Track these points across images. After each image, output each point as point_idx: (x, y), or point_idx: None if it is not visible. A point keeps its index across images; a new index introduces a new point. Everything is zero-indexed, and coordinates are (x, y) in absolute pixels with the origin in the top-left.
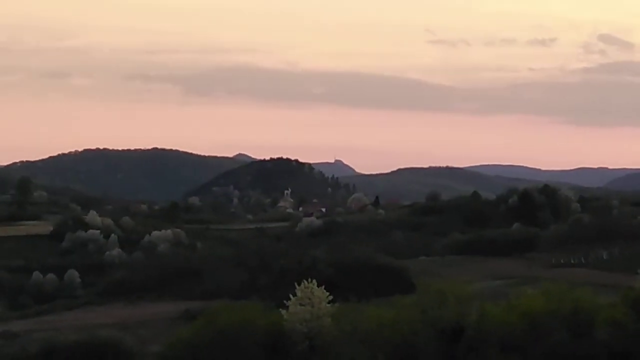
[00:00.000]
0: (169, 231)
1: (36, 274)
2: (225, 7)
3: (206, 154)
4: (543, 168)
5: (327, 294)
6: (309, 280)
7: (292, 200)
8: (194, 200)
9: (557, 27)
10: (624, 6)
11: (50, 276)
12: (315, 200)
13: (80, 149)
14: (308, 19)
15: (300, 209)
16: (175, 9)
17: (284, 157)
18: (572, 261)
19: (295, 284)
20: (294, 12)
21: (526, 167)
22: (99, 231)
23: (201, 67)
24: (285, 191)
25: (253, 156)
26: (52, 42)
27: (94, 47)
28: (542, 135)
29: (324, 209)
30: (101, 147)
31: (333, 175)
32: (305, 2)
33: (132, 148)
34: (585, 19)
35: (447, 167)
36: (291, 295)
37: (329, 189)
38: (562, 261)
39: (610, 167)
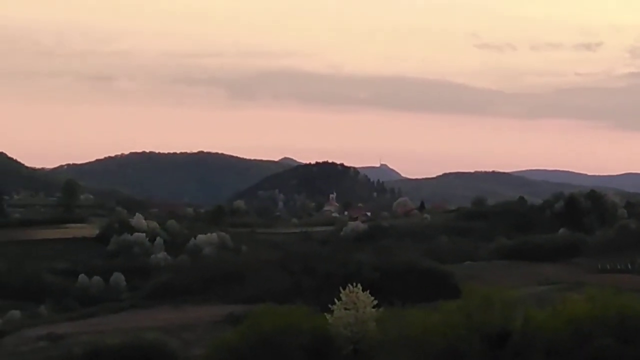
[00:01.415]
0: (214, 234)
1: (82, 277)
2: (270, 10)
3: (251, 158)
4: (589, 173)
5: (372, 298)
6: (354, 284)
7: (337, 204)
8: (240, 203)
9: (603, 31)
10: None
11: (96, 279)
12: (360, 205)
13: (126, 152)
14: (352, 22)
15: (346, 213)
16: (219, 12)
17: (329, 161)
18: (618, 267)
19: (340, 288)
20: (338, 16)
21: (572, 172)
22: (144, 234)
23: (245, 70)
24: (331, 195)
25: (298, 160)
26: (97, 46)
27: (139, 51)
28: (588, 140)
29: (369, 213)
30: (147, 151)
31: (378, 180)
32: (350, 6)
33: (178, 151)
34: (630, 23)
35: (493, 172)
36: (336, 300)
37: (374, 193)
38: (608, 267)
39: None
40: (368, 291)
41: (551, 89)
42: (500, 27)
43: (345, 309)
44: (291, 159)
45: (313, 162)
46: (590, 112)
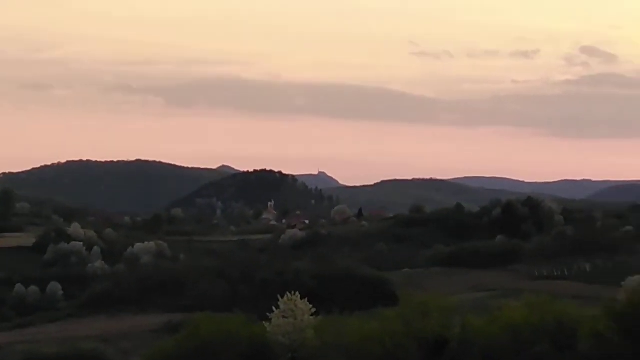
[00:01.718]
0: (151, 243)
1: (18, 286)
2: (206, 18)
3: (189, 166)
4: (526, 180)
5: (310, 306)
6: (292, 292)
7: (275, 212)
8: (177, 212)
9: (540, 39)
10: (605, 18)
11: (33, 288)
12: (298, 212)
13: (62, 161)
14: (290, 30)
15: (284, 220)
16: (156, 20)
17: (267, 169)
18: (556, 273)
19: (278, 296)
20: (275, 23)
21: (509, 179)
22: (81, 243)
23: (182, 78)
24: (269, 203)
25: (236, 168)
26: (32, 54)
27: (74, 59)
28: (525, 147)
29: (307, 221)
30: (84, 159)
31: (316, 187)
32: (288, 13)
33: (115, 159)
34: (567, 31)
35: (431, 179)
36: (274, 308)
37: (313, 201)
38: (545, 273)
39: (593, 179)
40: (306, 299)
41: (488, 97)
42: (437, 35)
43: (284, 317)
44: (229, 167)
45: (251, 170)
46: (527, 120)
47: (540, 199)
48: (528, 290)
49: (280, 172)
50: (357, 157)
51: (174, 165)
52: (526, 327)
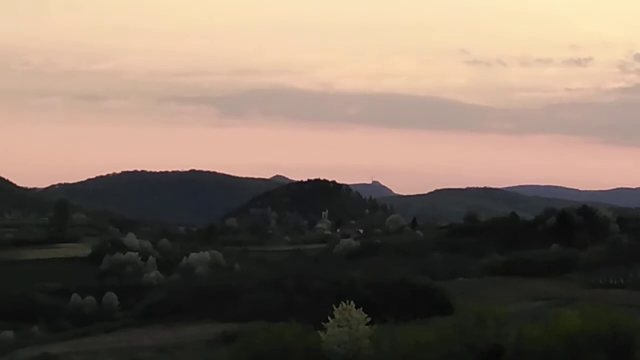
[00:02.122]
0: (206, 253)
1: (75, 296)
2: (259, 28)
3: (243, 176)
4: (581, 188)
5: (365, 315)
6: (347, 301)
7: (329, 221)
8: (232, 222)
9: (593, 46)
10: None
11: (89, 298)
12: (352, 222)
13: (118, 171)
14: (342, 40)
15: (338, 230)
16: (209, 30)
17: (321, 178)
18: (611, 282)
19: (333, 305)
20: (328, 34)
21: (564, 188)
22: (137, 253)
23: (236, 88)
24: (323, 212)
25: (290, 177)
26: (86, 65)
27: (128, 70)
28: (579, 155)
29: (361, 230)
30: (139, 169)
31: (370, 197)
32: (340, 23)
33: (170, 170)
34: (620, 39)
35: (485, 188)
36: (329, 317)
37: (367, 210)
38: (600, 282)
39: None
40: (361, 308)
41: (541, 105)
42: (490, 44)
43: (339, 326)
44: (283, 177)
45: (305, 179)
46: (581, 128)
47: (595, 207)
48: (583, 299)
49: (334, 182)
50: (410, 166)
51: (228, 175)
52: (582, 336)
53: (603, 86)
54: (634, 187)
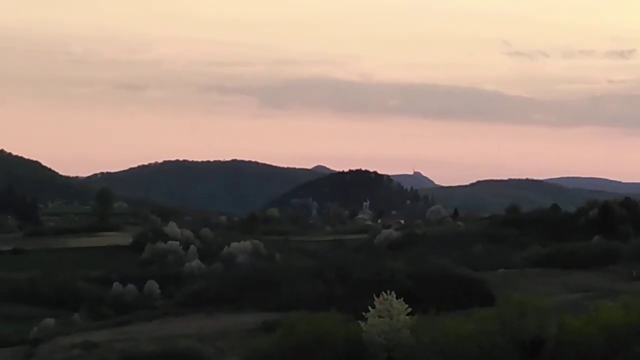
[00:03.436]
0: (247, 242)
1: (116, 285)
2: (299, 19)
3: (284, 166)
4: (624, 180)
5: (406, 306)
6: (388, 292)
7: (370, 212)
8: (273, 211)
9: (636, 38)
10: None
11: (130, 287)
12: (393, 212)
13: (159, 161)
14: (382, 30)
15: (379, 220)
16: (249, 21)
17: (362, 169)
18: None
19: (374, 295)
20: (368, 24)
21: (607, 180)
22: (178, 242)
23: (276, 78)
24: (364, 203)
25: (331, 168)
26: (126, 55)
27: (169, 60)
28: (622, 147)
29: (402, 221)
30: (180, 159)
31: (412, 187)
32: (380, 13)
33: (211, 159)
34: None
35: (527, 180)
36: (369, 307)
37: (408, 201)
38: None
39: None
40: (402, 299)
41: (584, 97)
42: (531, 35)
43: (379, 316)
44: (324, 167)
45: (346, 170)
46: (623, 120)
47: (638, 200)
48: (625, 291)
49: (375, 172)
50: (452, 157)
51: (270, 165)
52: (623, 328)
53: None
54: None
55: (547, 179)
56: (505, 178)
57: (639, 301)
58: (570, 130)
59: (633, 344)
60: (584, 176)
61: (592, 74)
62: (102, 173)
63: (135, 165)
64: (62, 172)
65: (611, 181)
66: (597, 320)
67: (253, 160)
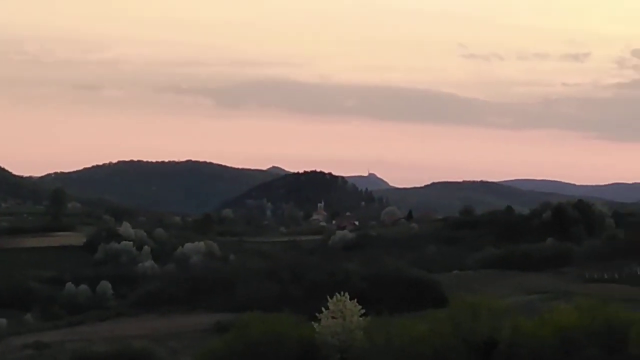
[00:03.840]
0: (201, 243)
1: (69, 285)
2: (257, 20)
3: (239, 167)
4: (577, 183)
5: (360, 307)
6: (342, 293)
7: (325, 213)
8: (228, 212)
9: (591, 41)
10: None
11: (83, 287)
12: (348, 214)
13: (114, 161)
14: (340, 32)
15: (334, 222)
16: (206, 21)
17: (317, 170)
18: (606, 276)
19: (328, 297)
20: (325, 26)
21: (560, 182)
22: (132, 243)
23: (233, 79)
24: (319, 204)
25: (286, 169)
26: (82, 54)
27: (125, 60)
28: (576, 150)
29: (357, 222)
30: (135, 159)
31: (366, 189)
32: (338, 15)
33: (166, 160)
34: (618, 34)
35: (481, 182)
36: (323, 308)
37: (362, 203)
38: (595, 276)
39: None
40: (355, 300)
41: (538, 99)
42: (487, 37)
43: (333, 317)
44: (279, 168)
45: (301, 171)
46: (578, 122)
47: (591, 202)
48: (578, 293)
49: (330, 174)
50: (407, 158)
51: (224, 166)
52: (576, 330)
53: (600, 81)
54: (630, 182)
55: (502, 181)
56: (460, 180)
57: (592, 303)
58: (524, 133)
59: (586, 346)
60: (538, 178)
61: (547, 77)
62: (56, 173)
63: (89, 165)
64: (15, 172)
65: (565, 184)
66: (551, 322)
67: (208, 160)
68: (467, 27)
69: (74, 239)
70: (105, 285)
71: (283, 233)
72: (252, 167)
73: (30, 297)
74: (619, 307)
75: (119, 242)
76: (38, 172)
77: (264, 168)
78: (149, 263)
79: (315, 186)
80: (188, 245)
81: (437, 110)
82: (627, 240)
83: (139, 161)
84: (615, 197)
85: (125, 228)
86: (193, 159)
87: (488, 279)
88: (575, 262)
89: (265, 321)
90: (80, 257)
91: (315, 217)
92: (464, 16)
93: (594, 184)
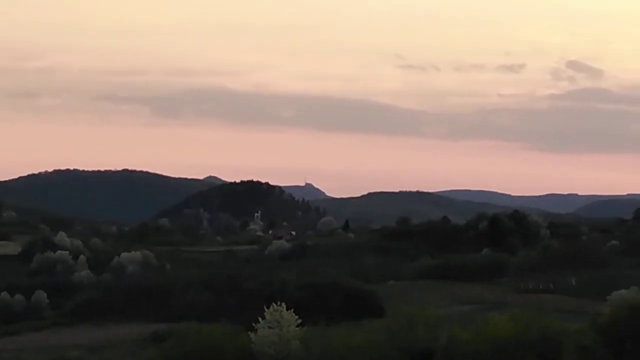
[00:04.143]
0: (138, 253)
1: (4, 295)
2: (194, 29)
3: (176, 176)
4: (513, 194)
5: (296, 317)
6: (278, 303)
7: (262, 223)
8: (164, 222)
9: (526, 53)
10: (591, 33)
11: (18, 297)
12: (285, 224)
13: (50, 170)
14: (277, 41)
15: (270, 232)
16: (144, 30)
17: (254, 179)
18: (541, 287)
19: (264, 306)
20: (262, 35)
21: (496, 193)
22: (67, 252)
23: (170, 88)
24: (255, 214)
25: (223, 178)
26: (18, 62)
27: (62, 68)
28: (511, 160)
29: (294, 232)
30: (71, 168)
31: (303, 199)
32: (275, 25)
33: (102, 169)
34: (553, 45)
35: (417, 192)
36: (260, 318)
37: (299, 212)
38: (531, 287)
39: (580, 193)
40: (292, 310)
41: (474, 110)
42: (424, 48)
43: (269, 327)
44: (216, 178)
45: (238, 180)
46: (514, 133)
47: (526, 213)
48: (514, 303)
49: (267, 183)
50: (344, 168)
51: (161, 175)
52: (511, 340)
53: (535, 92)
54: (565, 193)
55: (438, 192)
56: (397, 190)
57: (527, 313)
58: (460, 143)
59: (522, 356)
60: (473, 189)
61: (482, 88)
62: None
63: (25, 174)
64: None
65: (500, 194)
66: (487, 332)
67: (144, 170)
68: (404, 38)
69: (9, 248)
70: (41, 295)
71: (220, 243)
72: (189, 177)
73: None
74: (554, 317)
75: (55, 252)
76: None
77: (201, 177)
78: (85, 273)
79: (252, 196)
80: (124, 254)
81: (373, 120)
82: (562, 250)
83: (75, 170)
84: (550, 207)
85: (61, 237)
86: (130, 168)
87: (424, 289)
88: (510, 273)
89: (201, 331)
90: (15, 266)
91: (252, 226)
92: (402, 27)
93: (529, 194)
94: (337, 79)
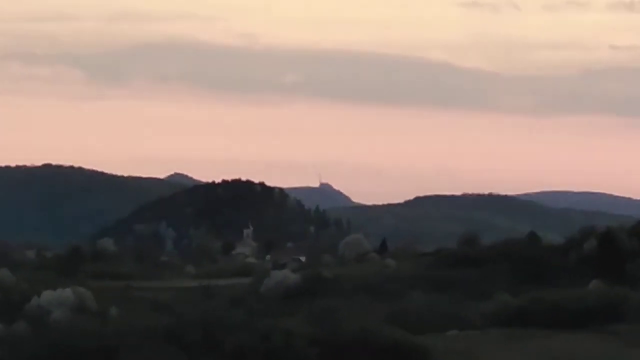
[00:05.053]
0: (68, 290)
1: None
2: None
3: (124, 174)
4: (634, 197)
5: None
6: None
7: (254, 244)
8: (107, 243)
9: None
10: None
11: None
12: (290, 244)
13: None
14: None
15: (268, 257)
16: None
17: (242, 178)
18: None
19: None
20: None
21: (610, 196)
22: None
23: (113, 41)
24: (245, 230)
25: (195, 177)
26: None
27: None
28: (633, 147)
29: (303, 258)
30: None
31: (317, 207)
32: None
33: (13, 164)
34: None
35: (490, 195)
36: None
37: (311, 227)
38: None
39: None
40: None
41: (575, 71)
42: None
43: None
44: (185, 176)
45: (218, 180)
46: (635, 105)
47: None
48: None
49: (262, 184)
50: (377, 161)
51: (102, 173)
52: None
53: None
54: None
55: (521, 194)
56: (459, 193)
57: None
58: (554, 121)
59: None
60: (574, 190)
61: (587, 36)
62: None
63: None
64: None
65: (617, 197)
66: None
67: (76, 165)
68: None
69: None
70: None
71: (191, 275)
72: (144, 175)
73: None
74: None
75: None
76: None
77: (162, 176)
78: None
79: (240, 203)
80: (47, 293)
81: (421, 87)
82: None
83: None
84: None
85: None
86: (54, 163)
87: (501, 342)
88: (631, 317)
89: None
90: None
91: (239, 250)
92: None
93: None
94: (363, 24)
